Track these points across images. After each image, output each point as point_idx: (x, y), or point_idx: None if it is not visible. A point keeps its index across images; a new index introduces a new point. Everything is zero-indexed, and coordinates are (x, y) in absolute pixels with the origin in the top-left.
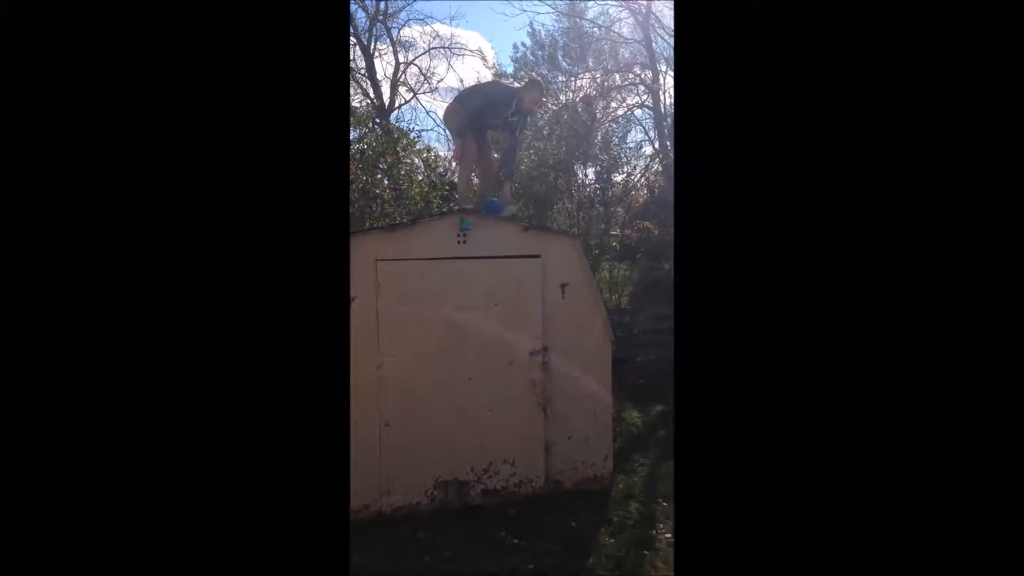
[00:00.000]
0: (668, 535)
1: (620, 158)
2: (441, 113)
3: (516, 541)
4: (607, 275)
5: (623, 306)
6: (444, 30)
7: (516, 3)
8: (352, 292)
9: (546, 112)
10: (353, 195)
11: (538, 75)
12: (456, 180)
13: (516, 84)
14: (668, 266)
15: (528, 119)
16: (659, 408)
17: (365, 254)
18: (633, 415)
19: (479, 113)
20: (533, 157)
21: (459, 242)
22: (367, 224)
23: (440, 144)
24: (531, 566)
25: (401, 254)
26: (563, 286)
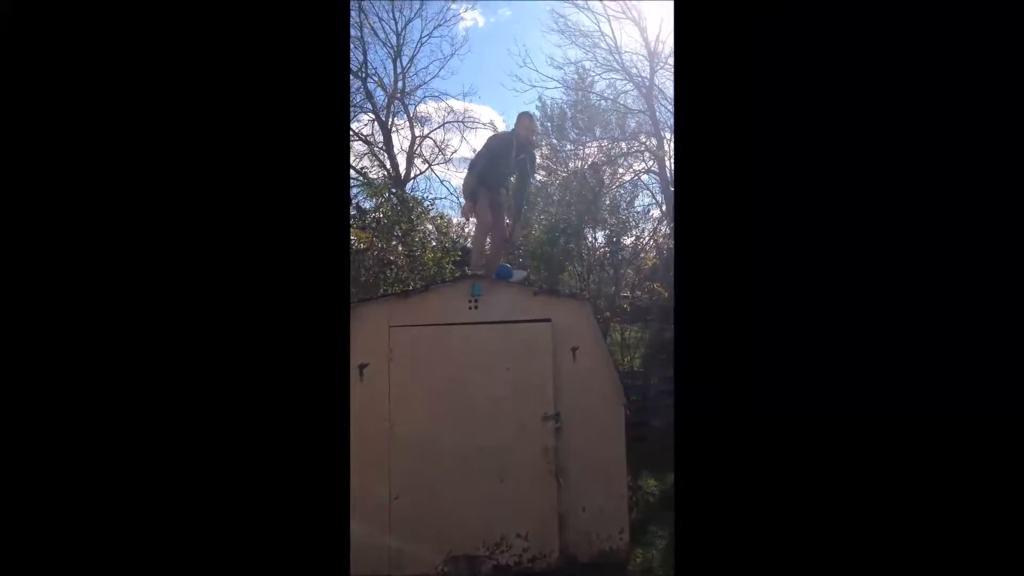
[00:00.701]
0: None
1: (628, 221)
2: (455, 183)
3: None
4: (619, 337)
5: (636, 369)
6: (458, 105)
7: (526, 80)
8: (365, 358)
9: (556, 179)
10: (368, 261)
11: (547, 143)
12: (469, 246)
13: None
14: None
15: (535, 153)
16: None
17: (378, 320)
18: (650, 483)
19: (486, 168)
20: (544, 222)
21: (470, 307)
22: (381, 289)
23: (453, 211)
24: None
25: (414, 320)
26: (574, 350)
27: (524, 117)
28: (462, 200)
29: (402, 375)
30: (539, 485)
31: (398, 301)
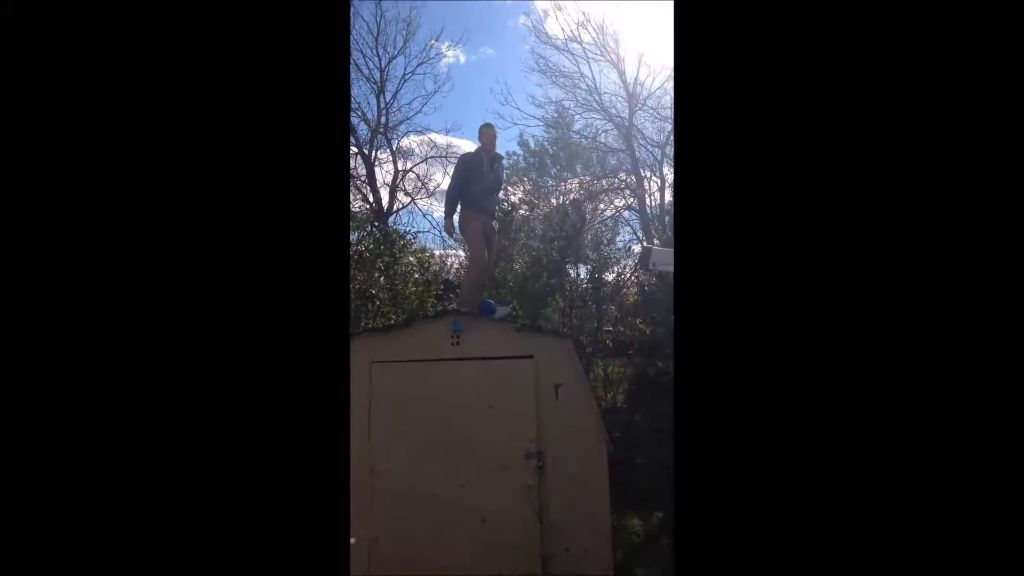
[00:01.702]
0: None
1: (610, 258)
2: (437, 215)
3: None
4: (601, 373)
5: (619, 405)
6: (441, 139)
7: (508, 117)
8: None
9: (539, 213)
10: (350, 295)
11: (528, 179)
12: (451, 279)
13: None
14: (662, 364)
15: (503, 159)
16: (660, 515)
17: (360, 356)
18: (634, 522)
19: (466, 188)
20: (526, 256)
21: (453, 343)
22: (363, 323)
23: (435, 244)
24: None
25: (396, 355)
26: (556, 387)
27: (486, 128)
28: (445, 233)
29: (383, 411)
30: (522, 525)
31: (380, 336)
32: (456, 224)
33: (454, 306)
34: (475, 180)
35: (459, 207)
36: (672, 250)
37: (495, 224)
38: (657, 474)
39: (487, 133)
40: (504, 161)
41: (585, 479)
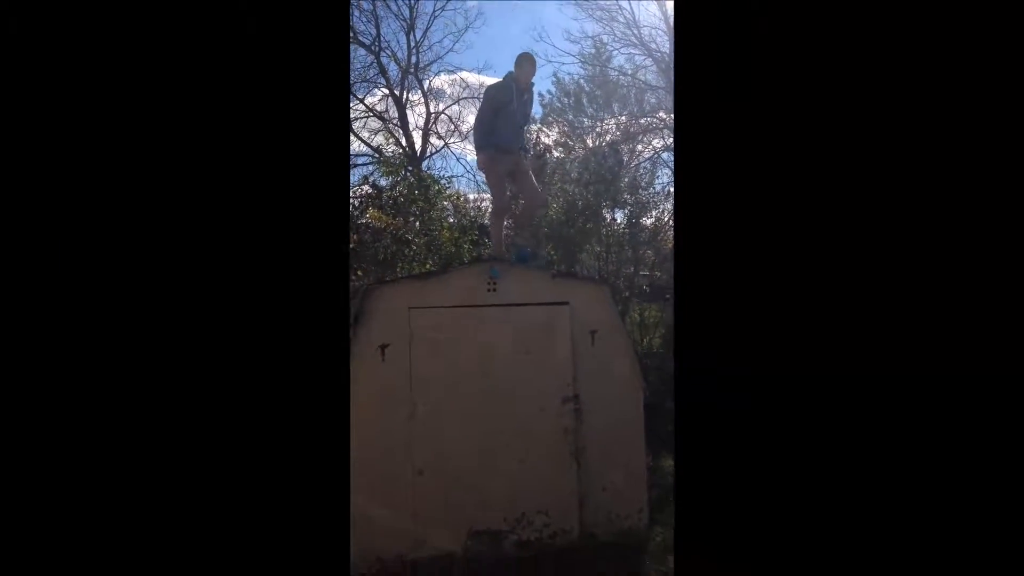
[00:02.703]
0: None
1: (648, 202)
2: (471, 159)
3: None
4: (637, 317)
5: (655, 349)
6: (473, 79)
7: (542, 55)
8: (385, 339)
9: (575, 156)
10: (386, 241)
11: (564, 119)
12: (487, 223)
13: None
14: None
15: (535, 92)
16: None
17: (398, 302)
18: (669, 463)
19: (494, 123)
20: (562, 202)
21: (489, 290)
22: (399, 268)
23: (470, 189)
24: None
25: (432, 302)
26: (592, 333)
27: (525, 61)
28: (479, 172)
29: (422, 356)
30: (559, 465)
31: (417, 283)
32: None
33: (491, 252)
34: (501, 115)
35: (483, 147)
36: None
37: (527, 159)
38: None
39: (526, 68)
40: (536, 96)
41: (621, 422)
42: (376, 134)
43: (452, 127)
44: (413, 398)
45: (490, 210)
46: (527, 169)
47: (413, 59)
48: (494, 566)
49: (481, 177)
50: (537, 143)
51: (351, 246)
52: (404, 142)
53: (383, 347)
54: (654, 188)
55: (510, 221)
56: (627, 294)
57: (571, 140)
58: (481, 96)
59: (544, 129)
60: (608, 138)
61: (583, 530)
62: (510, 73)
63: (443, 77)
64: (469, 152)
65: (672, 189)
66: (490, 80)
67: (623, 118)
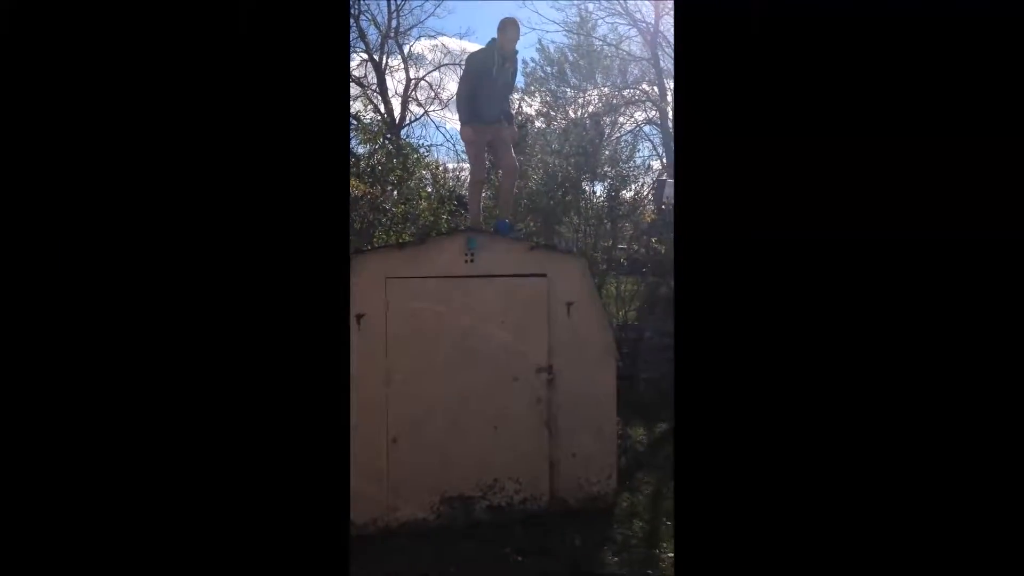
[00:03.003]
0: (672, 554)
1: (628, 176)
2: (450, 127)
3: (520, 559)
4: (614, 290)
5: (630, 322)
6: (454, 44)
7: (526, 22)
8: (362, 309)
9: (556, 127)
10: (363, 209)
11: (546, 89)
12: (464, 194)
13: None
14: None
15: (519, 59)
16: (664, 426)
17: (375, 271)
18: (639, 432)
19: (475, 92)
20: (542, 173)
21: (467, 261)
22: (375, 237)
23: (449, 158)
24: None
25: (410, 272)
26: (568, 305)
27: (509, 26)
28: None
29: (399, 326)
30: (531, 433)
31: (394, 252)
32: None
33: (468, 224)
34: (483, 84)
35: (464, 119)
36: None
37: (508, 129)
38: (663, 388)
39: (509, 33)
40: (520, 64)
41: (593, 392)
42: (355, 100)
43: (432, 94)
44: (388, 367)
45: (468, 181)
46: (507, 140)
47: (393, 23)
48: (466, 531)
49: (461, 147)
50: (519, 113)
51: None
52: (383, 108)
53: (359, 316)
54: (634, 162)
55: (488, 192)
56: (604, 267)
57: (553, 111)
58: (463, 63)
59: (526, 99)
60: (590, 109)
61: (553, 496)
62: (493, 40)
63: (424, 42)
64: (449, 120)
65: (652, 163)
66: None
67: (606, 89)
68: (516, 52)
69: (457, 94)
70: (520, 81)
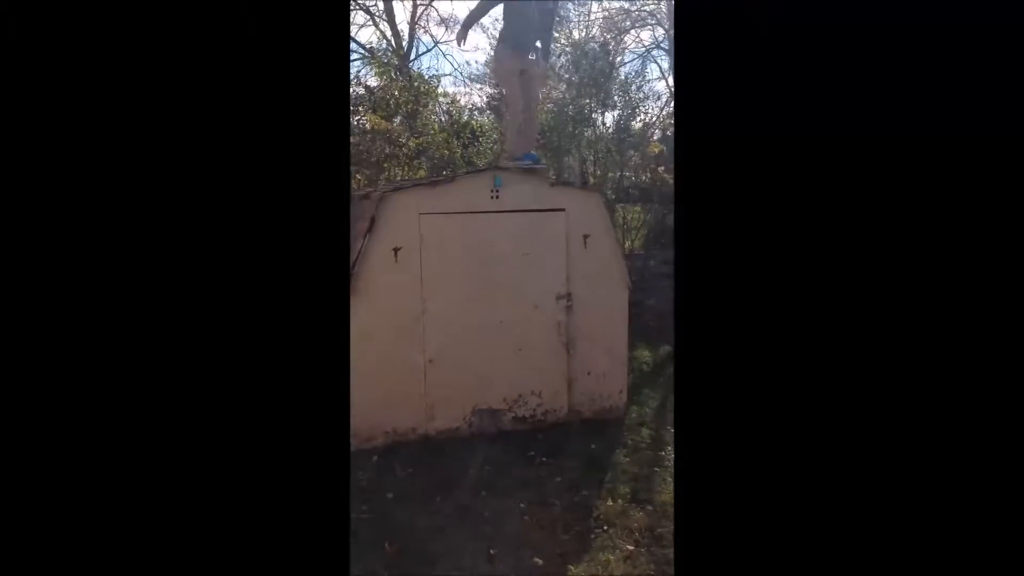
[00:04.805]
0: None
1: (637, 106)
2: (459, 58)
3: (544, 459)
4: (621, 219)
5: (636, 250)
6: None
7: None
8: (398, 242)
9: (561, 51)
10: (379, 143)
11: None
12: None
13: None
14: None
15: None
16: (666, 348)
17: (409, 208)
18: (644, 354)
19: (510, 22)
20: (551, 108)
21: (492, 197)
22: (389, 171)
23: (459, 88)
24: (558, 479)
25: (441, 208)
26: (585, 237)
27: None
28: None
29: (432, 258)
30: (551, 353)
31: (427, 190)
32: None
33: (487, 161)
34: (516, 10)
35: (497, 43)
36: None
37: (540, 66)
38: (665, 312)
39: None
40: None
41: (607, 316)
42: (361, 28)
43: (440, 21)
44: (423, 295)
45: (506, 111)
46: (536, 75)
47: None
48: (493, 438)
49: (467, 71)
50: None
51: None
52: (390, 34)
53: (396, 250)
54: (643, 91)
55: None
56: (613, 196)
57: (557, 32)
58: None
59: None
60: (595, 30)
61: (571, 408)
62: None
63: None
64: (456, 51)
65: (660, 90)
66: None
67: (614, 5)
68: None
69: (474, 11)
70: None
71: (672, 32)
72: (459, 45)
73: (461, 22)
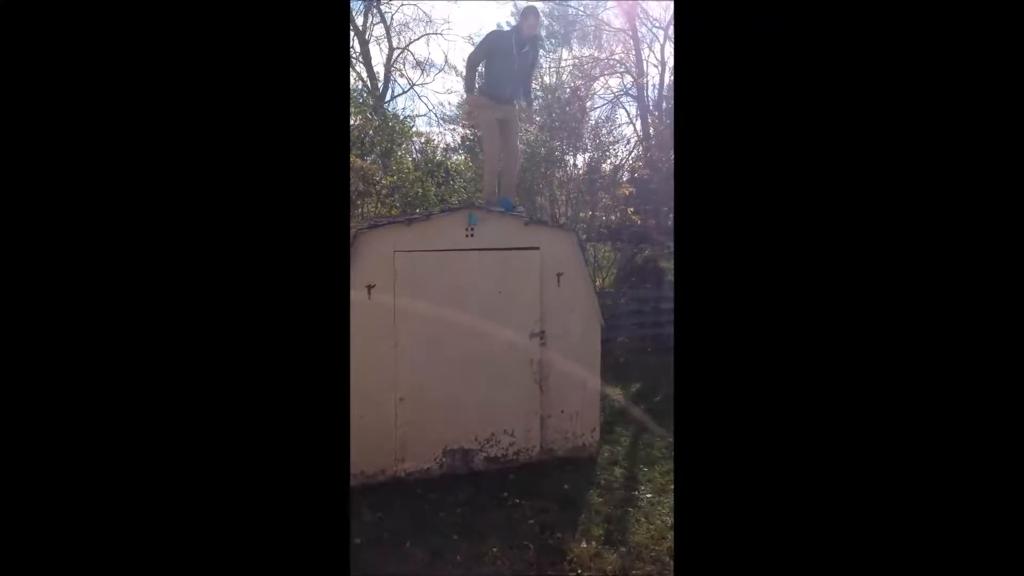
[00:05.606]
0: (649, 495)
1: (608, 149)
2: (433, 100)
3: (517, 500)
4: (592, 258)
5: (607, 288)
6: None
7: None
8: (372, 280)
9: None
10: (353, 181)
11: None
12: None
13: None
14: (648, 251)
15: (538, 44)
16: (637, 386)
17: (384, 245)
18: (616, 390)
19: (487, 67)
20: (525, 150)
21: (467, 235)
22: (362, 208)
23: (434, 128)
24: (531, 520)
25: (416, 245)
26: (559, 275)
27: (530, 14)
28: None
29: (406, 295)
30: (524, 391)
31: (402, 227)
32: (472, 109)
33: (460, 199)
34: (498, 62)
35: (476, 91)
36: None
37: (519, 112)
38: (636, 350)
39: (530, 20)
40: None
41: (580, 354)
42: None
43: (417, 65)
44: (396, 333)
45: (483, 156)
46: (516, 125)
47: None
48: (465, 478)
49: (442, 114)
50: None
51: None
52: (366, 77)
53: (370, 287)
54: (613, 135)
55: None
56: (584, 236)
57: (539, 19)
58: (442, 31)
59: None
60: (566, 76)
61: (543, 447)
62: (516, 26)
63: (406, 11)
64: (431, 93)
65: (628, 135)
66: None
67: (585, 53)
68: (538, 39)
69: (469, 59)
70: None
71: (640, 80)
72: (467, 94)
73: (466, 66)
